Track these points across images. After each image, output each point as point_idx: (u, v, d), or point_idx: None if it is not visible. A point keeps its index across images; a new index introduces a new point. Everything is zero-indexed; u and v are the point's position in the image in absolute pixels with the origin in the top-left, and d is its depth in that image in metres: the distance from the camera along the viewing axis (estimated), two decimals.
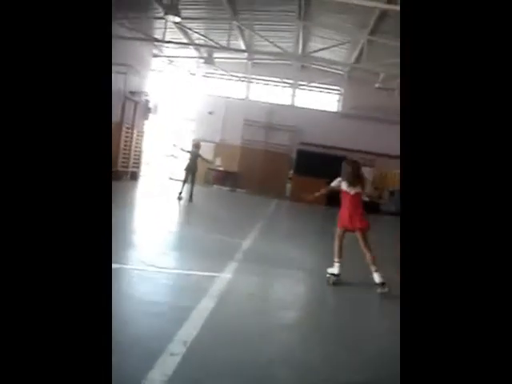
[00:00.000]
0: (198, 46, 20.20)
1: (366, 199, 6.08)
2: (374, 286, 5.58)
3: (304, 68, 22.86)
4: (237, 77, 23.43)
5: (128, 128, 18.62)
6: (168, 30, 17.08)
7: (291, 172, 21.58)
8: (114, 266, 4.95)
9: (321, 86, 23.42)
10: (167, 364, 2.89)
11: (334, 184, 6.00)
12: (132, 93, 18.22)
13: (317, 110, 23.15)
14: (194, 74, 24.02)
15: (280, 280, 5.89)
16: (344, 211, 5.87)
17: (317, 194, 6.28)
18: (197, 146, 14.68)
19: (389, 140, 20.13)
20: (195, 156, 14.34)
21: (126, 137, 18.59)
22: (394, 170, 19.58)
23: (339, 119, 22.44)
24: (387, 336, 4.11)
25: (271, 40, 16.78)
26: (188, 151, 14.72)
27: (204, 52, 21.18)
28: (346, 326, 4.41)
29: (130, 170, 19.57)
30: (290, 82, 23.19)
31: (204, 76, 24.20)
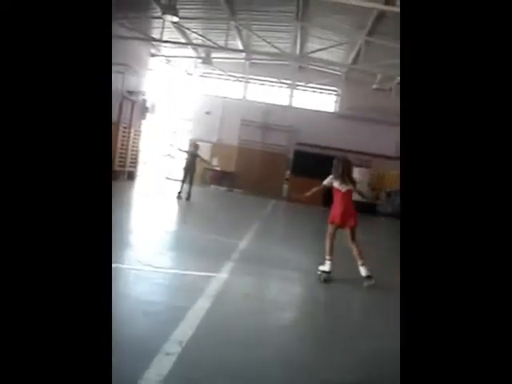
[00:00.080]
0: (195, 46, 20.20)
1: (363, 200, 6.19)
2: (361, 278, 5.77)
3: (301, 68, 22.87)
4: (234, 77, 23.43)
5: (125, 127, 18.59)
6: (166, 29, 17.08)
7: (288, 172, 21.59)
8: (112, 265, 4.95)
9: (318, 86, 23.44)
10: (163, 364, 2.90)
11: (325, 182, 6.16)
12: (129, 92, 18.20)
13: (314, 110, 23.17)
14: (191, 74, 24.00)
15: (276, 280, 5.90)
16: (336, 208, 6.03)
17: (308, 193, 6.41)
18: (195, 146, 14.81)
19: (386, 141, 20.21)
20: (194, 156, 14.45)
21: (123, 136, 18.55)
22: (391, 171, 19.61)
23: (336, 120, 22.46)
24: (382, 332, 4.13)
25: (269, 40, 16.78)
26: (186, 151, 14.83)
27: (202, 52, 21.16)
28: (342, 325, 4.42)
29: (127, 169, 19.53)
30: (288, 82, 23.20)
31: (201, 76, 24.18)
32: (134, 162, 20.52)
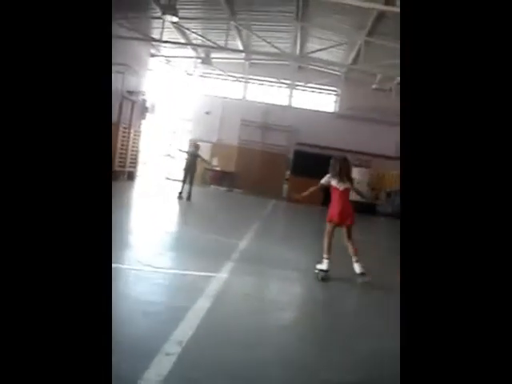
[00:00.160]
0: (195, 46, 20.20)
1: (363, 200, 6.25)
2: (355, 275, 5.88)
3: (301, 68, 22.88)
4: (234, 77, 23.44)
5: (125, 128, 18.58)
6: (166, 29, 17.08)
7: (288, 172, 21.59)
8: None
9: (318, 86, 23.45)
10: (163, 364, 2.90)
11: (323, 181, 6.22)
12: (129, 92, 18.20)
13: (314, 110, 23.18)
14: (191, 74, 24.00)
15: (276, 280, 5.90)
16: (334, 207, 6.11)
17: (305, 192, 6.46)
18: (196, 146, 14.90)
19: (385, 141, 20.21)
20: (194, 156, 14.55)
21: (123, 136, 18.55)
22: (391, 171, 19.62)
23: (336, 120, 22.47)
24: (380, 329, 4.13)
25: (269, 40, 16.79)
26: (187, 151, 14.94)
27: (201, 52, 21.16)
28: (340, 324, 4.42)
29: (127, 169, 19.53)
30: (288, 82, 23.21)
31: (201, 76, 24.18)
32: (134, 162, 20.52)
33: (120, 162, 18.48)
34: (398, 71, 13.77)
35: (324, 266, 5.97)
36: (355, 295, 5.74)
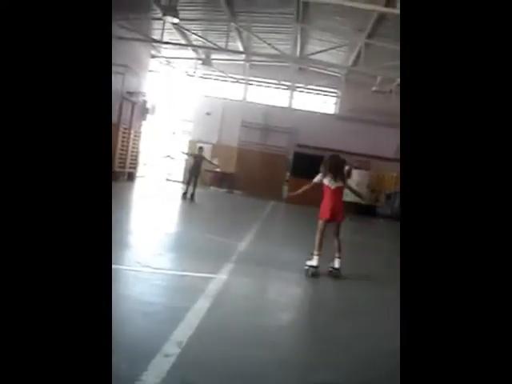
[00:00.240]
0: (195, 47, 20.24)
1: (362, 202, 6.41)
2: (330, 268, 6.23)
3: (301, 70, 22.90)
4: (234, 78, 23.46)
5: (125, 128, 18.60)
6: (166, 31, 17.12)
7: (288, 174, 21.58)
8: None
9: (318, 88, 23.47)
10: (161, 365, 2.89)
11: (315, 180, 6.45)
12: (130, 93, 18.21)
13: (314, 112, 23.20)
14: (191, 75, 24.03)
15: (275, 281, 5.90)
16: (326, 204, 6.33)
17: (299, 191, 6.70)
18: (200, 148, 15.32)
19: (385, 143, 20.21)
20: (200, 158, 14.86)
21: (124, 137, 18.56)
22: (391, 173, 19.61)
23: (336, 121, 22.48)
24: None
25: (269, 42, 16.82)
26: (193, 154, 15.37)
27: (202, 53, 21.19)
28: (342, 325, 4.42)
29: (127, 170, 19.55)
30: (288, 83, 23.23)
31: (201, 77, 24.21)
32: (134, 163, 20.54)
33: (120, 162, 18.49)
34: (398, 73, 13.77)
35: (314, 262, 6.14)
36: (358, 296, 5.73)
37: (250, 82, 23.83)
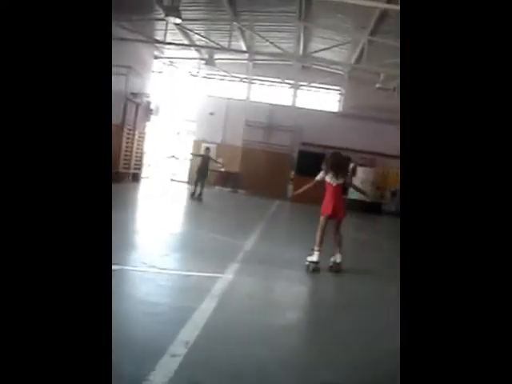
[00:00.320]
0: (198, 47, 20.23)
1: (367, 200, 6.53)
2: (331, 263, 6.42)
3: (305, 68, 22.85)
4: (238, 78, 23.44)
5: (129, 129, 18.64)
6: (169, 31, 17.10)
7: (293, 173, 21.55)
8: (115, 267, 4.98)
9: (321, 86, 23.42)
10: (169, 365, 2.90)
11: (318, 177, 6.63)
12: (133, 94, 18.25)
13: (318, 110, 23.14)
14: (194, 76, 24.04)
15: (280, 280, 5.91)
16: (327, 201, 6.50)
17: (300, 190, 6.91)
18: (207, 149, 15.71)
19: (390, 140, 20.11)
20: (207, 159, 15.19)
21: (128, 138, 18.60)
22: (396, 170, 19.56)
23: (340, 119, 22.41)
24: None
25: (272, 41, 16.79)
26: (201, 155, 15.65)
27: (205, 53, 21.18)
28: (349, 325, 4.42)
29: (132, 171, 19.59)
30: (291, 82, 23.19)
31: (205, 77, 24.21)
32: (139, 164, 20.58)
33: (125, 163, 18.53)
34: None
35: (314, 257, 6.29)
36: (358, 290, 5.73)
37: (254, 81, 23.81)
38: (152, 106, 20.69)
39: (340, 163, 6.61)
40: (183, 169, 23.91)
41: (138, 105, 18.96)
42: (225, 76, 23.71)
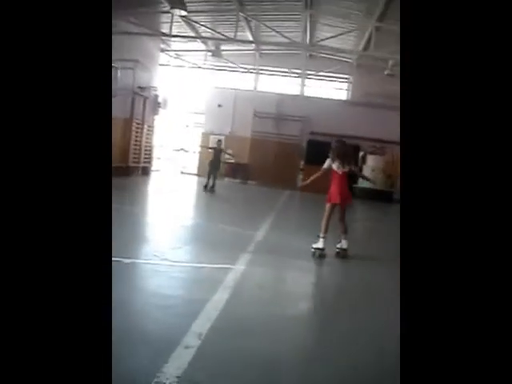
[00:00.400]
0: (205, 39, 20.18)
1: (377, 188, 6.65)
2: (337, 249, 6.62)
3: (312, 57, 22.72)
4: (245, 68, 23.37)
5: (138, 123, 18.68)
6: (174, 23, 17.06)
7: (302, 162, 21.50)
8: (127, 260, 5.00)
9: (329, 74, 23.28)
10: (182, 357, 2.91)
11: (325, 166, 6.75)
12: (141, 88, 18.27)
13: (326, 98, 23.03)
14: (201, 67, 24.00)
15: (292, 270, 5.90)
16: (334, 189, 6.62)
17: (308, 180, 7.10)
18: (220, 141, 16.13)
19: (399, 127, 19.97)
20: (219, 151, 15.47)
21: (137, 132, 18.67)
22: None
23: (349, 107, 22.29)
24: None
25: (278, 30, 16.69)
26: (213, 148, 15.93)
27: (211, 45, 21.14)
28: (361, 315, 4.41)
29: (142, 165, 19.66)
30: (299, 71, 23.08)
31: (212, 69, 24.16)
32: (148, 158, 20.65)
33: (134, 157, 18.60)
34: None
35: (320, 244, 6.45)
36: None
37: (261, 72, 23.73)
38: (160, 100, 20.72)
39: (346, 151, 6.76)
40: (193, 161, 23.95)
41: (145, 98, 18.99)
42: (232, 67, 23.63)
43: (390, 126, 20.74)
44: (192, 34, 19.38)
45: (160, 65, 21.63)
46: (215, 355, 3.05)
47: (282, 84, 23.72)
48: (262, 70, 23.62)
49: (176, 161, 25.18)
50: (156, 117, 21.04)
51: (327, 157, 6.80)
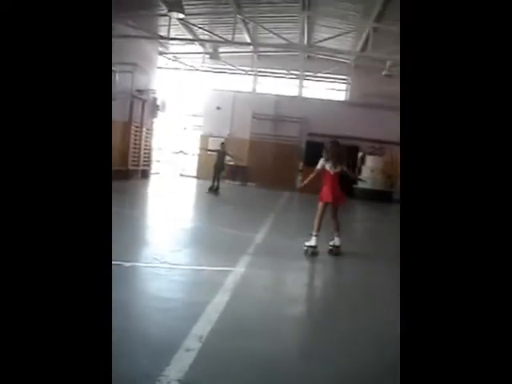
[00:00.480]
0: (203, 42, 20.19)
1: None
2: (330, 246, 6.80)
3: (310, 58, 22.72)
4: (243, 70, 23.37)
5: (137, 126, 18.68)
6: (172, 26, 17.05)
7: (301, 164, 21.50)
8: (127, 264, 5.01)
9: (327, 75, 23.28)
10: (184, 359, 2.91)
11: (318, 166, 6.93)
12: (139, 91, 18.27)
13: (324, 100, 23.03)
14: (200, 70, 24.00)
15: (292, 272, 5.90)
16: (326, 188, 6.82)
17: (305, 181, 7.25)
18: (223, 144, 16.25)
19: (398, 128, 19.96)
20: (222, 154, 15.68)
21: (136, 135, 18.66)
22: None
23: (347, 108, 22.29)
24: None
25: (276, 32, 16.71)
26: (216, 150, 16.10)
27: (209, 47, 21.14)
28: (361, 314, 4.42)
29: (141, 168, 19.65)
30: (297, 73, 23.08)
31: (210, 71, 24.16)
32: (148, 161, 20.64)
33: (133, 160, 18.59)
34: None
35: (312, 242, 6.60)
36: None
37: (259, 74, 23.73)
38: (158, 102, 20.72)
39: (339, 152, 6.92)
40: (192, 164, 23.94)
41: (144, 101, 18.98)
42: (230, 69, 23.64)
43: (388, 127, 20.77)
44: (190, 37, 19.39)
45: (158, 68, 21.63)
46: (216, 358, 3.06)
47: (280, 85, 23.72)
48: (260, 71, 23.61)
49: (175, 163, 25.16)
50: (155, 120, 21.04)
51: (321, 157, 6.88)
